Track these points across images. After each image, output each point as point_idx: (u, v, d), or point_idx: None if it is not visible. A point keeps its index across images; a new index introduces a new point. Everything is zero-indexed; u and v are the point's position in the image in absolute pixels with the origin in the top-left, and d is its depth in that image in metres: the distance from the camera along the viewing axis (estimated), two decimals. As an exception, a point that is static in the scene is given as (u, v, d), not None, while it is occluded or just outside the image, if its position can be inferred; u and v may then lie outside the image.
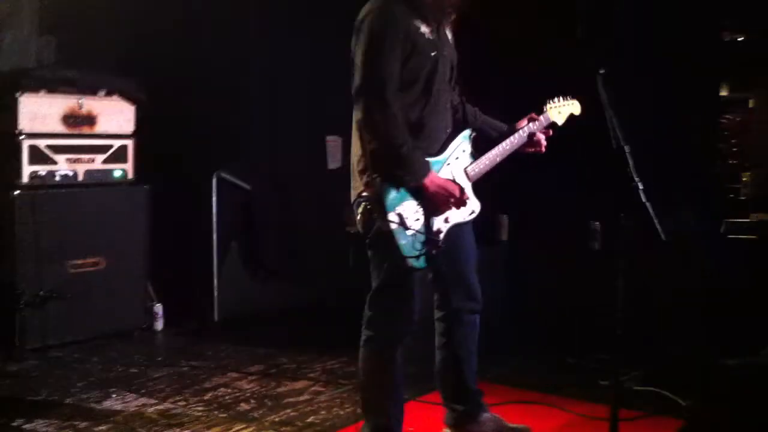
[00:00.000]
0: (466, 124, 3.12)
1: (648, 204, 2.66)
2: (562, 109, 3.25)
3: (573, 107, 3.29)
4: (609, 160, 2.72)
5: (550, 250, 4.74)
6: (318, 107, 5.65)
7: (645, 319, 3.63)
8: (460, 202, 2.86)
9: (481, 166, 3.01)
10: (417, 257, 2.76)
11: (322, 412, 3.73)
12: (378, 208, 2.75)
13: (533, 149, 3.17)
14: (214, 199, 5.55)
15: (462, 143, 3.00)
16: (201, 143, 5.50)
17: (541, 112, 3.22)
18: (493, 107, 3.31)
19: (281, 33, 5.67)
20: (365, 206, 2.79)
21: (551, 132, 3.20)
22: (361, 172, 2.82)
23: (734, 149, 4.25)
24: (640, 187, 2.67)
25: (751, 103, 4.29)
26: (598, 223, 4.68)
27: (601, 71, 2.75)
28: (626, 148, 2.70)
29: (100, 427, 3.54)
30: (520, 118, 3.23)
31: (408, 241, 2.76)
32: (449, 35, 3.02)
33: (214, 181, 5.55)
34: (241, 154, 5.69)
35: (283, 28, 5.68)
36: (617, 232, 2.78)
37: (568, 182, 4.36)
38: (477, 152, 3.06)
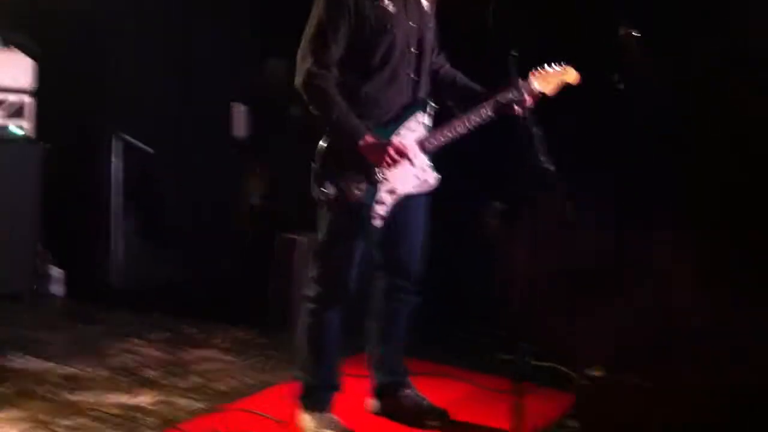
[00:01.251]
0: (440, 87, 3.13)
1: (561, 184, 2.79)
2: (550, 78, 3.08)
3: (566, 75, 3.11)
4: (520, 141, 2.83)
5: (452, 228, 4.85)
6: (226, 73, 5.60)
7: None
8: (394, 162, 2.88)
9: (439, 137, 3.00)
10: (353, 224, 2.84)
11: (231, 380, 3.75)
12: (316, 177, 2.87)
13: (504, 113, 3.01)
14: (113, 160, 5.42)
15: (416, 115, 3.00)
16: (103, 103, 5.37)
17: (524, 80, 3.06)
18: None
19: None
20: (312, 171, 2.91)
21: (530, 101, 3.01)
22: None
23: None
24: (551, 168, 2.78)
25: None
26: (498, 202, 4.82)
27: (514, 53, 2.79)
28: (536, 130, 2.81)
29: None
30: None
31: (346, 206, 2.87)
32: (425, 4, 3.02)
33: (114, 142, 5.42)
34: (144, 116, 5.57)
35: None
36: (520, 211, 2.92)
37: (475, 161, 4.45)
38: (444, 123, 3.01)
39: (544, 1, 4.40)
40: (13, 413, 3.21)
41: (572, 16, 4.39)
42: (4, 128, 4.90)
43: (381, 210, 2.94)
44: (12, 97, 4.94)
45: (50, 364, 3.81)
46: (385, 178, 2.93)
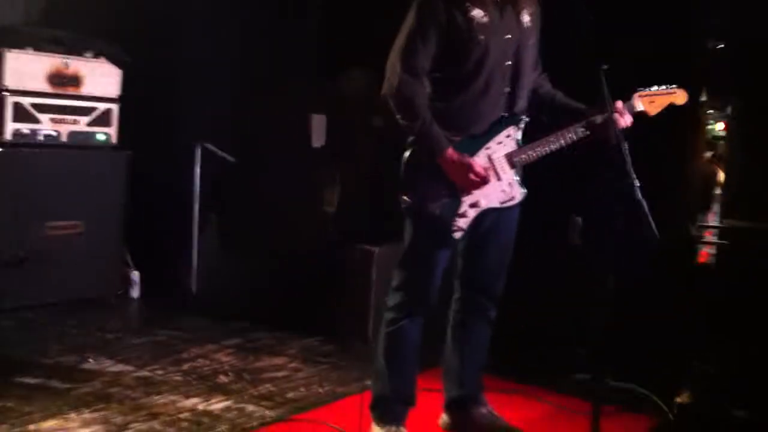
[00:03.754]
0: (539, 106, 3.08)
1: (643, 201, 2.69)
2: (657, 99, 3.01)
3: (674, 97, 3.04)
4: (607, 156, 2.75)
5: (531, 243, 4.77)
6: (306, 83, 5.64)
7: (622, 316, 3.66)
8: (480, 182, 2.85)
9: (530, 153, 2.93)
10: (434, 235, 2.81)
11: (301, 389, 3.75)
12: (399, 187, 2.88)
13: (600, 133, 2.92)
14: (197, 169, 5.50)
15: (508, 129, 2.94)
16: (186, 112, 5.46)
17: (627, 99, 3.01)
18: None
19: (273, 8, 5.63)
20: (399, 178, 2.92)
21: (631, 121, 2.95)
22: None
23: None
24: (637, 184, 2.69)
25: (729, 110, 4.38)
26: (580, 218, 4.72)
27: (604, 67, 2.75)
28: (624, 145, 2.73)
29: (78, 389, 3.53)
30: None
31: (427, 217, 2.85)
32: (525, 17, 2.95)
33: (198, 150, 5.50)
34: (225, 125, 5.64)
35: (274, 5, 5.64)
36: (605, 228, 2.82)
37: (556, 174, 4.37)
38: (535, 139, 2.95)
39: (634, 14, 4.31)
40: (87, 415, 3.26)
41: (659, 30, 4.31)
42: (91, 135, 5.03)
43: (462, 223, 2.89)
44: (101, 106, 5.07)
45: (126, 367, 3.88)
46: (468, 193, 2.88)
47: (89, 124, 5.03)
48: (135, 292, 5.22)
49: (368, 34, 3.11)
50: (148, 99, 5.27)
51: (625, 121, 2.90)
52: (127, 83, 5.17)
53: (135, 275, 5.22)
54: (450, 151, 2.82)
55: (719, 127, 4.69)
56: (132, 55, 5.22)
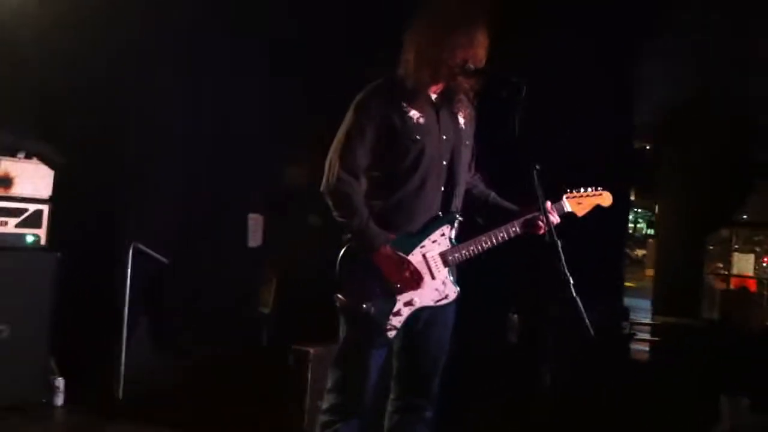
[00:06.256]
0: (473, 206, 3.13)
1: (577, 299, 2.72)
2: (584, 200, 3.16)
3: (600, 199, 3.20)
4: (542, 253, 2.78)
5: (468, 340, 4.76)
6: (241, 183, 5.64)
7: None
8: (412, 280, 2.85)
9: (463, 252, 2.96)
10: (368, 334, 2.77)
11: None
12: (334, 285, 2.85)
13: (530, 232, 3.04)
14: (128, 270, 5.38)
15: (442, 227, 2.96)
16: (119, 212, 5.38)
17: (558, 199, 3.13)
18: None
19: (206, 104, 5.67)
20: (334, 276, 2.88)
21: (558, 221, 3.05)
22: None
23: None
24: (571, 281, 2.72)
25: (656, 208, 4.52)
26: (516, 315, 4.75)
27: (537, 167, 2.82)
28: (559, 242, 2.77)
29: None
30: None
31: (361, 316, 2.82)
32: (461, 119, 3.04)
33: (130, 251, 5.39)
34: (159, 225, 5.57)
35: (207, 101, 5.68)
36: (543, 325, 2.84)
37: (492, 272, 4.41)
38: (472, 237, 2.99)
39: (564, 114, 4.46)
40: None
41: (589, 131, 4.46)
42: (20, 237, 4.90)
43: (396, 321, 2.87)
44: (31, 207, 4.97)
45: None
46: (403, 291, 2.87)
47: (18, 225, 4.91)
48: (59, 400, 4.99)
49: (306, 132, 3.15)
50: (81, 199, 5.19)
51: (553, 220, 2.99)
52: (59, 183, 5.09)
53: (59, 382, 4.99)
54: (386, 248, 2.83)
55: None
56: (66, 156, 5.16)
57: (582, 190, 3.18)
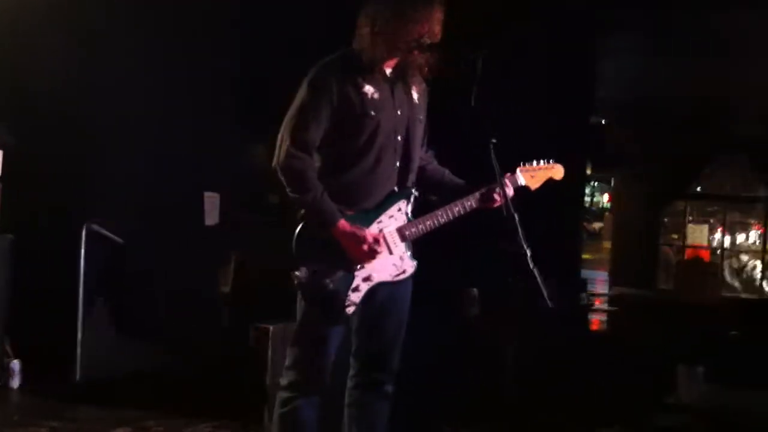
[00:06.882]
0: (427, 183, 3.10)
1: (535, 270, 2.74)
2: (537, 173, 3.16)
3: (553, 172, 3.20)
4: (499, 227, 2.80)
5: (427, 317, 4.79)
6: (196, 161, 5.57)
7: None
8: (371, 253, 2.84)
9: (420, 227, 2.95)
10: (326, 311, 2.75)
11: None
12: (291, 262, 2.80)
13: (486, 205, 3.04)
14: (82, 251, 5.29)
15: (399, 203, 2.95)
16: (72, 193, 5.29)
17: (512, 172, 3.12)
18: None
19: (162, 84, 5.58)
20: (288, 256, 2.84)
21: (512, 194, 3.05)
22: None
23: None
24: (528, 253, 2.75)
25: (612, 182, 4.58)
26: (475, 289, 4.78)
27: (494, 141, 2.83)
28: (516, 215, 2.79)
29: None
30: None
31: (319, 293, 2.79)
32: (415, 94, 3.01)
33: (84, 232, 5.31)
34: (114, 205, 5.49)
35: (165, 80, 5.59)
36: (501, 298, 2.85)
37: (449, 247, 4.43)
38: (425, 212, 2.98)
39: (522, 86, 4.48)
40: None
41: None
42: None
43: (355, 297, 2.86)
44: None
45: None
46: (361, 266, 2.86)
47: (-33, 207, 4.81)
48: (15, 383, 4.92)
49: (269, 110, 3.10)
50: (33, 180, 5.10)
51: (509, 193, 3.00)
52: (10, 164, 4.98)
53: (15, 364, 4.93)
54: (343, 222, 2.82)
55: (605, 198, 4.90)
56: (16, 135, 5.06)
57: (535, 163, 3.18)
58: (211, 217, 5.72)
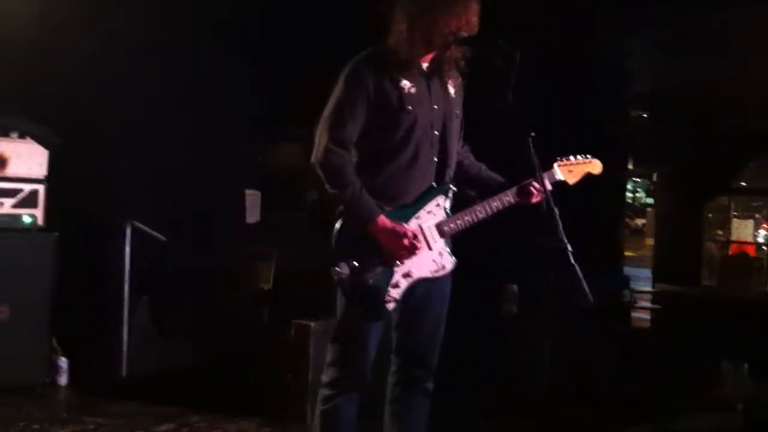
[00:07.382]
0: (464, 178, 3.10)
1: (576, 267, 2.70)
2: (574, 168, 3.13)
3: (590, 166, 3.17)
4: (539, 222, 2.77)
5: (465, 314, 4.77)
6: (240, 159, 5.63)
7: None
8: (411, 248, 2.83)
9: (459, 222, 2.94)
10: (366, 308, 2.75)
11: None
12: (330, 258, 2.80)
13: (524, 200, 3.02)
14: (126, 249, 5.38)
15: (437, 198, 2.94)
16: (116, 191, 5.37)
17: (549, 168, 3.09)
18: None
19: (202, 83, 5.64)
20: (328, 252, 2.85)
21: (550, 189, 2.96)
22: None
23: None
24: (569, 249, 2.71)
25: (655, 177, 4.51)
26: (515, 286, 4.74)
27: (532, 135, 2.79)
28: (556, 210, 2.76)
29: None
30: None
31: (359, 289, 2.79)
32: (451, 88, 3.01)
33: (128, 230, 5.39)
34: (156, 204, 5.56)
35: (205, 79, 5.65)
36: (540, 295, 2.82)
37: (489, 242, 4.38)
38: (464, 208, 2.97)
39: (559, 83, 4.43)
40: None
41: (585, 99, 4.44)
42: (16, 217, 4.89)
43: (395, 293, 2.85)
44: (27, 187, 4.95)
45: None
46: (401, 261, 2.86)
47: (14, 206, 4.90)
48: (63, 380, 5.01)
49: (307, 108, 3.10)
50: (77, 179, 5.18)
51: (549, 190, 2.92)
52: (55, 163, 5.07)
53: (63, 362, 5.01)
54: (382, 218, 2.81)
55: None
56: (61, 135, 5.14)
57: (572, 157, 3.15)
58: (252, 215, 5.76)
